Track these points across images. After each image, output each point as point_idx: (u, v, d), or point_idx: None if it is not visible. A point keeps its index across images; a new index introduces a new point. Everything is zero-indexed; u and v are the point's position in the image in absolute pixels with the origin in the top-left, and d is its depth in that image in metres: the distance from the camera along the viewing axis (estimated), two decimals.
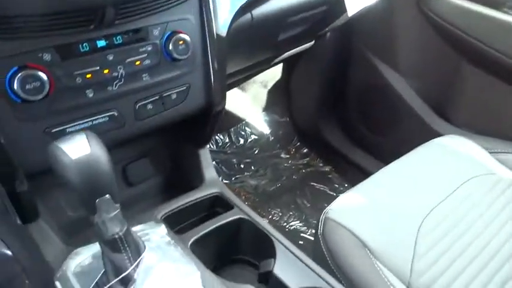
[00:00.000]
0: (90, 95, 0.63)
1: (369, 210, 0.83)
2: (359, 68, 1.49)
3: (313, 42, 1.46)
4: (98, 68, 0.62)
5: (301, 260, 0.67)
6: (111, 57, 0.63)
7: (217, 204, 0.80)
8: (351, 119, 1.60)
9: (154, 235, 0.65)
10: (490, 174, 0.93)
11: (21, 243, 0.82)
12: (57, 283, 0.63)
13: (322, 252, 0.77)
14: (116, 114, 0.67)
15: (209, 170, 0.84)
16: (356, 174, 1.56)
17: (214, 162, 1.59)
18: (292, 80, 1.72)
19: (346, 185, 1.64)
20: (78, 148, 0.49)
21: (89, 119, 0.64)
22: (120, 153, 0.81)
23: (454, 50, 1.23)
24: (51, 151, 0.50)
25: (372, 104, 1.49)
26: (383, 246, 0.75)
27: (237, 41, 0.88)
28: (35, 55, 0.57)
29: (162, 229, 0.67)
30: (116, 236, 0.54)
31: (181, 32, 0.69)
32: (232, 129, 1.72)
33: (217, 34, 0.76)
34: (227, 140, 1.72)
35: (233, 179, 1.62)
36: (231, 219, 0.74)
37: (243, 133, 1.75)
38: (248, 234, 0.74)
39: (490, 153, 0.99)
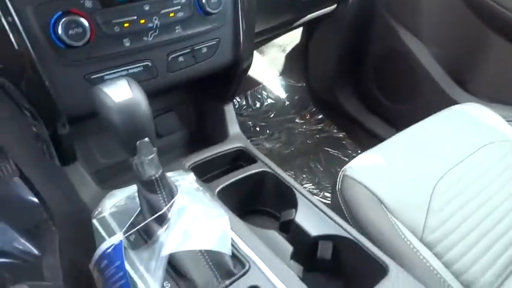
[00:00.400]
0: (127, 44, 0.65)
1: (385, 169, 0.86)
2: (379, 33, 1.47)
3: (335, 6, 1.46)
4: (135, 17, 0.65)
5: (320, 210, 0.70)
6: (147, 8, 0.65)
7: (241, 158, 0.84)
8: (368, 86, 1.59)
9: (184, 181, 0.69)
10: (506, 141, 0.95)
11: (54, 187, 0.87)
12: (95, 222, 0.67)
13: (339, 207, 0.81)
14: (149, 64, 0.69)
15: (233, 126, 0.87)
16: (370, 141, 1.58)
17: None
18: (311, 44, 1.71)
19: (359, 152, 1.67)
20: (121, 92, 0.52)
21: (125, 68, 0.67)
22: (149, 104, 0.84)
23: (478, 18, 1.22)
24: (96, 94, 0.53)
25: (391, 71, 1.48)
26: (398, 202, 0.78)
27: (260, 1, 0.88)
28: (78, 1, 0.59)
29: (191, 176, 0.71)
30: (153, 178, 0.58)
31: None
32: (249, 92, 1.74)
33: None
34: (244, 103, 1.75)
35: (248, 141, 1.64)
36: (255, 171, 0.77)
37: (259, 96, 1.77)
38: (271, 186, 0.78)
39: (507, 121, 1.01)
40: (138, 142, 0.54)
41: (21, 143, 0.81)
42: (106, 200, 0.68)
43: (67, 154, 0.69)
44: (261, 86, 1.77)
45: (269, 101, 1.78)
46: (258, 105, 1.76)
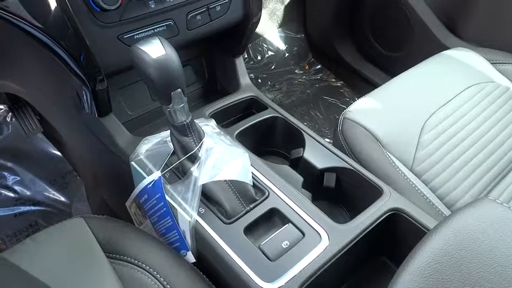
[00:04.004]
0: (152, 6, 0.74)
1: (381, 110, 0.97)
2: None
3: None
4: None
5: (325, 147, 0.82)
6: None
7: (253, 106, 0.94)
8: (364, 35, 1.64)
9: (207, 127, 0.80)
10: (490, 82, 1.05)
11: (81, 139, 0.97)
12: (133, 163, 0.79)
13: (341, 145, 0.92)
14: (172, 23, 0.78)
15: (244, 77, 0.96)
16: (367, 89, 1.65)
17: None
18: None
19: (356, 99, 1.72)
20: (156, 50, 0.62)
21: (151, 28, 0.75)
22: None
23: None
24: (135, 52, 0.62)
25: (386, 19, 1.53)
26: (392, 139, 0.90)
27: None
28: None
29: (213, 122, 0.82)
30: (185, 123, 0.68)
31: None
32: (250, 45, 1.78)
33: None
34: (245, 56, 1.78)
35: (259, 91, 1.71)
36: (267, 116, 0.88)
37: (260, 49, 1.81)
38: (281, 129, 0.89)
39: (492, 63, 1.10)
40: (172, 92, 0.64)
41: (55, 97, 0.90)
42: (141, 144, 0.79)
43: (104, 106, 0.79)
44: (261, 38, 1.81)
45: (269, 53, 1.82)
46: (259, 57, 1.81)
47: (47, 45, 0.69)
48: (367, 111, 0.96)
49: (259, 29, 1.79)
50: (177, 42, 0.80)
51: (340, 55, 1.73)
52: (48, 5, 0.64)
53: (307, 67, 1.87)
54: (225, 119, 0.91)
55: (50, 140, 1.43)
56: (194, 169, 0.70)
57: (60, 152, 1.43)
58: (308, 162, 0.80)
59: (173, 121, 0.68)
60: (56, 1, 0.64)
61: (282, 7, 1.81)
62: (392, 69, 1.59)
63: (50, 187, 1.39)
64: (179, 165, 0.72)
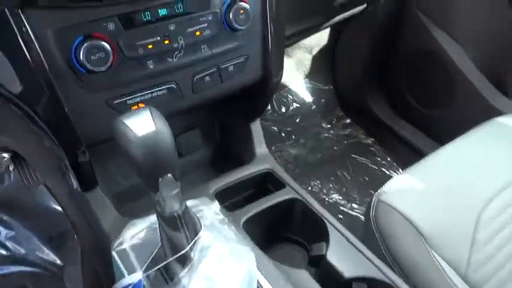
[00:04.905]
0: (151, 67, 0.61)
1: (424, 194, 0.79)
2: (411, 33, 1.40)
3: (364, 5, 1.38)
4: (159, 38, 0.61)
5: (354, 246, 0.65)
6: (172, 27, 0.61)
7: (268, 181, 0.79)
8: (399, 90, 1.53)
9: (208, 211, 0.65)
10: None
11: (76, 204, 0.85)
12: (114, 254, 0.64)
13: (373, 236, 0.75)
14: (174, 86, 0.65)
15: (260, 145, 0.83)
16: (401, 149, 1.55)
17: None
18: (339, 46, 1.66)
19: (389, 159, 1.60)
20: (143, 124, 0.49)
21: (149, 91, 0.63)
22: (171, 123, 0.81)
23: None
24: (117, 126, 0.49)
25: (424, 74, 1.41)
26: (439, 234, 0.72)
27: (291, 5, 0.83)
28: (100, 24, 0.56)
29: (216, 205, 0.66)
30: (175, 214, 0.54)
31: (242, 1, 0.66)
32: (274, 95, 1.66)
33: (276, 0, 0.72)
34: (269, 107, 1.67)
35: (273, 147, 1.59)
36: (283, 198, 0.72)
37: (285, 100, 1.71)
38: (300, 214, 0.73)
39: None
40: (160, 179, 0.50)
41: (41, 155, 0.79)
42: (127, 230, 0.65)
43: (87, 180, 0.66)
44: (286, 89, 1.71)
45: (295, 105, 1.71)
46: (283, 109, 1.69)
47: (22, 109, 0.58)
48: (407, 193, 0.79)
49: (284, 79, 1.67)
50: (180, 107, 0.68)
51: (371, 110, 1.62)
52: (24, 65, 0.53)
53: (335, 121, 1.74)
54: (234, 196, 0.76)
55: (51, 193, 1.32)
56: (183, 275, 0.54)
57: (61, 207, 1.31)
58: (332, 266, 0.63)
59: (161, 212, 0.53)
60: (32, 60, 0.53)
61: (310, 57, 1.71)
62: (429, 128, 1.47)
63: (45, 245, 1.26)
64: (166, 265, 0.57)
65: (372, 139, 1.67)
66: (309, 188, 1.49)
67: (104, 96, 0.60)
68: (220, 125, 0.89)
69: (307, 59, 1.72)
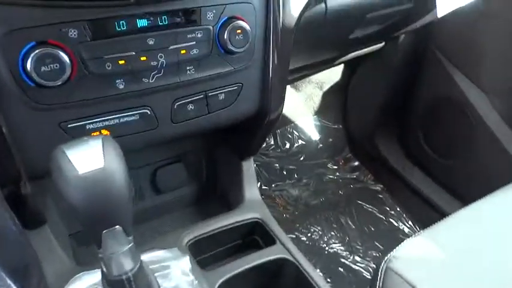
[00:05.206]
0: (121, 87, 0.51)
1: (444, 265, 0.66)
2: (432, 77, 1.33)
3: (383, 44, 1.32)
4: (134, 53, 0.50)
5: None
6: (151, 42, 0.51)
7: (257, 231, 0.67)
8: (414, 136, 1.44)
9: (175, 269, 0.53)
10: None
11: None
12: None
13: None
14: (148, 112, 0.55)
15: (251, 188, 0.71)
16: (412, 199, 1.44)
17: (254, 165, 1.49)
18: (352, 83, 1.59)
19: (398, 209, 1.49)
20: (90, 158, 0.38)
21: (115, 116, 0.53)
22: (151, 154, 0.70)
23: None
24: (54, 157, 0.38)
25: (443, 121, 1.33)
26: None
27: (302, 35, 0.73)
28: (59, 30, 0.46)
29: (186, 263, 0.54)
30: (124, 277, 0.42)
31: (240, 19, 0.56)
32: (278, 130, 1.60)
33: (283, 25, 0.62)
34: (272, 142, 1.59)
35: (273, 185, 1.51)
36: (271, 258, 0.60)
37: (289, 136, 1.63)
38: (290, 279, 0.60)
39: None
40: (104, 232, 0.39)
41: None
42: (71, 284, 0.52)
43: (31, 216, 0.54)
44: (292, 124, 1.63)
45: (300, 142, 1.63)
46: (287, 145, 1.61)
47: None
48: (422, 262, 0.66)
49: (290, 114, 1.65)
50: (155, 138, 0.57)
51: (382, 154, 1.54)
52: None
53: (342, 163, 1.65)
54: (213, 248, 0.64)
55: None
56: None
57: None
58: None
59: (106, 273, 0.41)
60: None
61: (320, 93, 1.66)
62: (445, 179, 1.38)
63: (8, 277, 1.13)
64: None
65: (381, 186, 1.57)
66: (308, 235, 1.39)
67: (57, 117, 0.49)
68: (208, 159, 0.78)
69: (316, 95, 1.67)
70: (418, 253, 0.68)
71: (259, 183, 1.49)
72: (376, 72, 1.47)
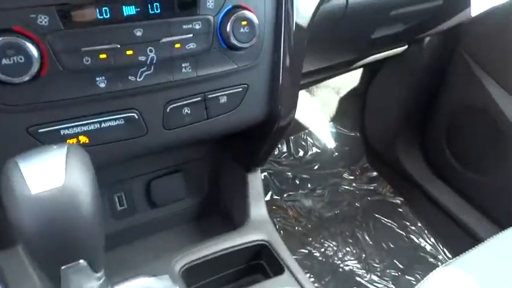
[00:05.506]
0: (102, 85, 0.43)
1: None
2: (459, 83, 1.27)
3: (406, 46, 1.25)
4: (119, 46, 0.43)
5: None
6: (139, 33, 0.43)
7: (263, 257, 0.58)
8: (438, 146, 1.38)
9: None
10: None
11: None
12: None
13: None
14: (136, 117, 0.47)
15: (258, 205, 0.63)
16: (435, 214, 1.37)
17: (265, 173, 1.44)
18: (371, 89, 1.54)
19: (419, 225, 1.41)
20: (48, 174, 0.30)
21: (96, 120, 0.45)
22: (144, 163, 0.62)
23: None
24: (5, 171, 0.31)
25: (471, 132, 1.27)
26: None
27: (318, 33, 0.65)
28: (26, 15, 0.39)
29: None
30: None
31: (246, 8, 0.48)
32: (292, 137, 1.55)
33: (296, 18, 0.53)
34: (284, 149, 1.54)
35: (285, 195, 1.46)
36: None
37: (303, 143, 1.58)
38: None
39: None
40: (63, 268, 0.31)
41: None
42: None
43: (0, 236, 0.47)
44: (306, 131, 1.58)
45: (314, 149, 1.58)
46: (301, 153, 1.56)
47: None
48: None
49: (305, 120, 1.60)
50: (144, 146, 0.49)
51: (403, 165, 1.47)
52: None
53: (358, 172, 1.59)
54: (211, 274, 0.55)
55: None
56: None
57: None
58: None
59: None
60: None
61: (337, 98, 1.60)
62: (471, 194, 1.32)
63: None
64: None
65: (401, 199, 1.50)
66: (322, 250, 1.32)
67: (25, 120, 0.42)
68: (210, 170, 0.69)
69: (333, 100, 1.62)
70: (452, 286, 0.58)
71: (270, 192, 1.45)
72: (398, 77, 1.41)
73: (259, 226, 0.61)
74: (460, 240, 1.28)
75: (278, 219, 1.37)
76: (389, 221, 1.41)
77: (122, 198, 0.63)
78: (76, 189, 0.30)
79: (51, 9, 0.39)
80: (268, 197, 1.43)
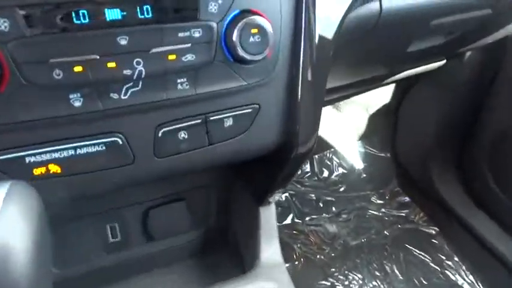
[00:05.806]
0: (77, 104, 0.36)
1: None
2: (504, 103, 1.20)
3: (444, 61, 1.15)
4: (98, 57, 0.35)
5: None
6: (123, 41, 0.36)
7: None
8: (478, 171, 1.31)
9: None
10: None
11: None
12: None
13: None
14: (120, 142, 0.39)
15: (270, 244, 0.55)
16: (474, 248, 1.29)
17: (286, 194, 1.38)
18: (404, 106, 1.48)
19: (456, 259, 1.32)
20: None
21: (69, 146, 0.38)
22: (143, 190, 0.55)
23: None
24: None
25: None
26: None
27: (346, 45, 0.56)
28: None
29: None
30: None
31: (258, 13, 0.40)
32: (316, 156, 1.53)
33: (319, 27, 0.45)
34: (308, 169, 1.52)
35: (307, 219, 1.40)
36: None
37: (328, 163, 1.55)
38: None
39: None
40: None
41: None
42: None
43: None
44: (332, 150, 1.56)
45: (340, 170, 1.55)
46: (325, 173, 1.53)
47: None
48: None
49: (330, 138, 1.58)
50: (130, 177, 0.42)
51: (437, 190, 1.39)
52: None
53: (388, 197, 1.54)
54: None
55: None
56: None
57: None
58: None
59: None
60: None
61: (366, 116, 1.56)
62: None
63: None
64: None
65: (436, 228, 1.42)
66: (346, 283, 1.24)
67: None
68: (218, 198, 0.61)
69: (362, 118, 1.58)
70: None
71: (291, 215, 1.41)
72: (434, 94, 1.34)
73: (271, 271, 0.52)
74: (502, 278, 1.18)
75: (298, 245, 1.31)
76: (422, 253, 1.33)
77: (115, 228, 0.56)
78: (9, 248, 0.22)
79: (14, 11, 0.32)
80: (288, 220, 1.38)
